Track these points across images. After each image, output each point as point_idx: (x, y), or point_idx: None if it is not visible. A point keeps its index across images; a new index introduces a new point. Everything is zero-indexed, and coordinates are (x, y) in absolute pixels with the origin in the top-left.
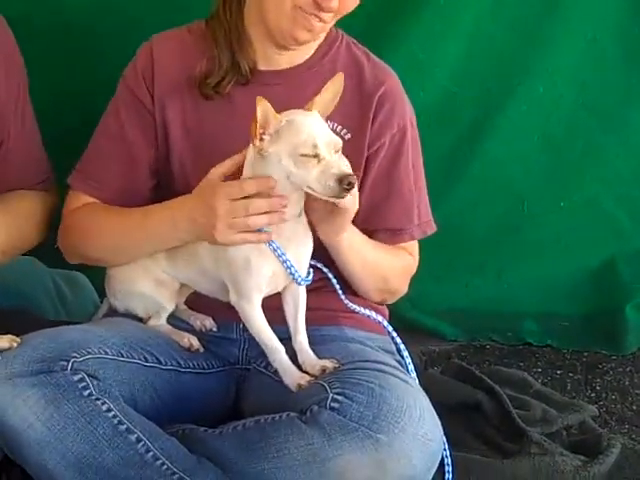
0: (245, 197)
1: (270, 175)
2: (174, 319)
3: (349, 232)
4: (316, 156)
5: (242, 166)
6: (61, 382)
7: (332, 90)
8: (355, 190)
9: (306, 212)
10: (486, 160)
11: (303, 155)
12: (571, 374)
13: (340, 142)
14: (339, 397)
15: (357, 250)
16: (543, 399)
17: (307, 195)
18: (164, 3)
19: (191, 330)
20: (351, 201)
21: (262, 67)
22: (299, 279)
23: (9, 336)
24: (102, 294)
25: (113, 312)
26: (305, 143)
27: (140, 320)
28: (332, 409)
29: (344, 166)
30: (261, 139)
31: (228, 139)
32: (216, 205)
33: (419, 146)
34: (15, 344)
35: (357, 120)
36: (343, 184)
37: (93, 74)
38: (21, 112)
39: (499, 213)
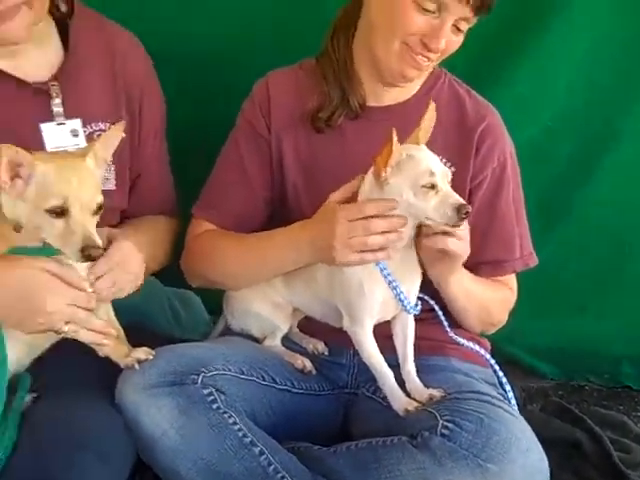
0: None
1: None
2: (287, 341)
3: (458, 273)
4: (434, 187)
5: (356, 193)
6: (192, 394)
7: (429, 120)
8: (467, 236)
9: (417, 252)
10: (588, 200)
11: (423, 186)
12: None
13: (450, 173)
14: (449, 424)
15: (462, 285)
16: None
17: (419, 234)
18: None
19: (303, 353)
20: (463, 247)
21: (371, 103)
22: (408, 307)
23: (145, 348)
24: (212, 313)
25: (228, 331)
26: (424, 175)
27: (255, 340)
28: (442, 435)
29: (458, 196)
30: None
31: (339, 169)
32: (335, 226)
33: (519, 179)
34: (150, 356)
35: (459, 154)
36: (461, 213)
37: (214, 105)
38: (159, 142)
39: (601, 253)
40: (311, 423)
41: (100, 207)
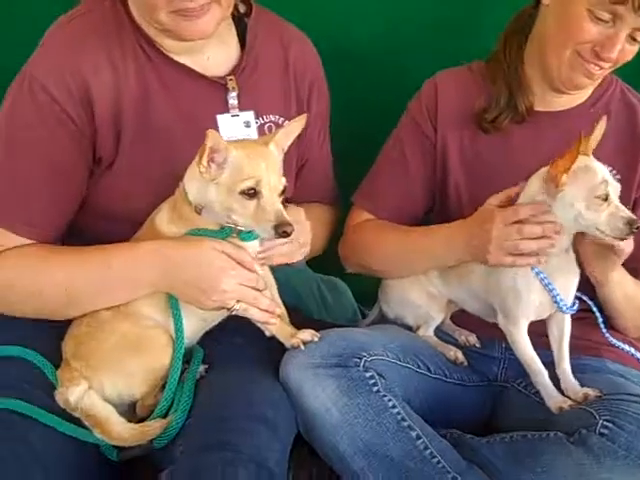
0: (519, 222)
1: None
2: (439, 332)
3: (618, 272)
4: (606, 199)
5: (513, 198)
6: (355, 376)
7: (599, 131)
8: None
9: (575, 250)
10: None
11: (597, 197)
12: None
13: (619, 187)
14: (608, 424)
15: (620, 285)
16: None
17: (578, 236)
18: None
19: (455, 344)
20: (629, 243)
21: (538, 108)
22: (564, 307)
23: (310, 330)
24: (358, 300)
25: (381, 318)
26: (600, 186)
27: (408, 329)
28: (601, 434)
29: (629, 210)
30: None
31: (502, 172)
32: (491, 228)
33: None
34: (316, 338)
35: (627, 163)
36: (632, 227)
37: (387, 100)
38: (324, 132)
39: None
40: (459, 413)
41: (284, 190)
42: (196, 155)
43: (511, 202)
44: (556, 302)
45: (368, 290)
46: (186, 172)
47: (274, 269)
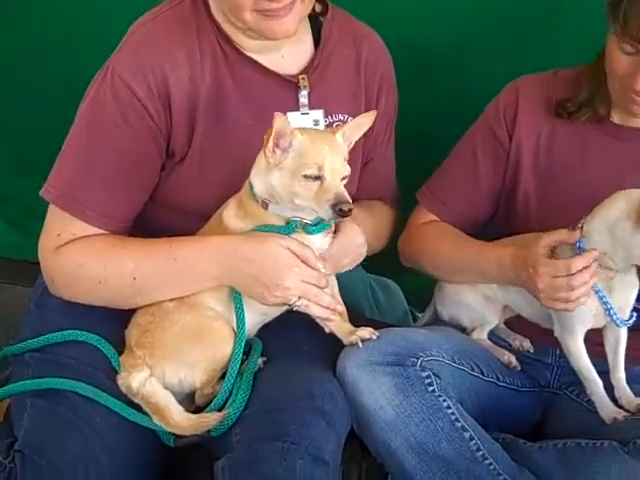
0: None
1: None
2: (493, 336)
3: None
4: None
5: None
6: (411, 375)
7: None
8: None
9: None
10: None
11: None
12: None
13: None
14: None
15: None
16: None
17: None
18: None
19: (508, 348)
20: None
21: (616, 120)
22: (618, 321)
23: (369, 329)
24: (409, 302)
25: (436, 320)
26: None
27: (462, 330)
28: None
29: None
30: None
31: (575, 175)
32: (538, 280)
33: None
34: (374, 336)
35: None
36: None
37: (454, 98)
38: (390, 132)
39: None
40: (510, 417)
41: (346, 177)
42: (260, 149)
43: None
44: (610, 316)
45: (419, 292)
46: (252, 167)
47: None
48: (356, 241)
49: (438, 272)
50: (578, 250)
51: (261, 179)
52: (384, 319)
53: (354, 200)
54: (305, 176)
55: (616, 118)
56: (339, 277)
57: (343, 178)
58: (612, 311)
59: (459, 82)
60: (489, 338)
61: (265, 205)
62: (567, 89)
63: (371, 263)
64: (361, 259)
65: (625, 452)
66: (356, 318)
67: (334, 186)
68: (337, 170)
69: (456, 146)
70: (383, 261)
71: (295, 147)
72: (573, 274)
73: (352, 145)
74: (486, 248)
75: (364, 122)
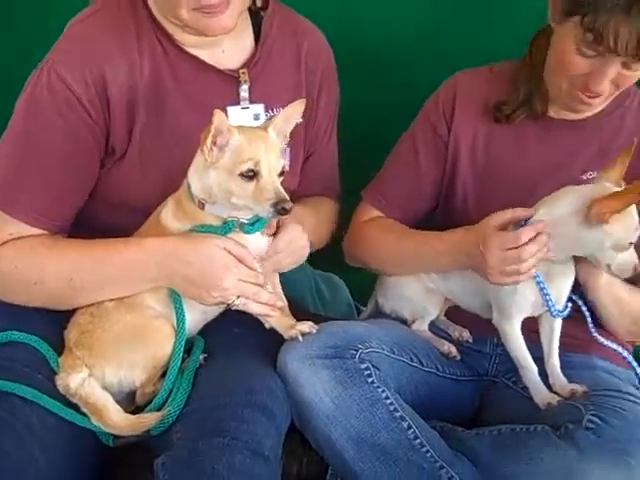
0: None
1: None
2: (433, 327)
3: (603, 274)
4: (631, 244)
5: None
6: (350, 368)
7: (627, 156)
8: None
9: None
10: None
11: (630, 243)
12: None
13: None
14: (594, 419)
15: (609, 290)
16: None
17: None
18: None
19: (448, 339)
20: None
21: (552, 114)
22: (555, 312)
23: (309, 323)
24: (354, 296)
25: (378, 313)
26: (635, 233)
27: (403, 323)
28: (587, 429)
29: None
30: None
31: (511, 169)
32: (488, 254)
33: None
34: (314, 330)
35: None
36: (636, 271)
37: (397, 96)
38: (332, 127)
39: None
40: (450, 406)
41: (282, 172)
42: (199, 146)
43: (516, 223)
44: (548, 307)
45: (364, 287)
46: (190, 166)
47: None
48: (299, 242)
49: (383, 267)
50: (535, 278)
51: (198, 178)
52: (329, 314)
53: (296, 194)
54: (241, 175)
55: (552, 113)
56: (283, 273)
57: (280, 174)
58: (550, 302)
59: (402, 79)
60: (429, 329)
61: (202, 205)
62: (503, 89)
63: (316, 259)
64: (303, 259)
65: (557, 436)
66: (300, 313)
67: (272, 184)
68: (273, 167)
69: (398, 142)
70: (328, 257)
71: (232, 145)
72: (523, 245)
73: (287, 138)
74: (432, 236)
75: (293, 112)
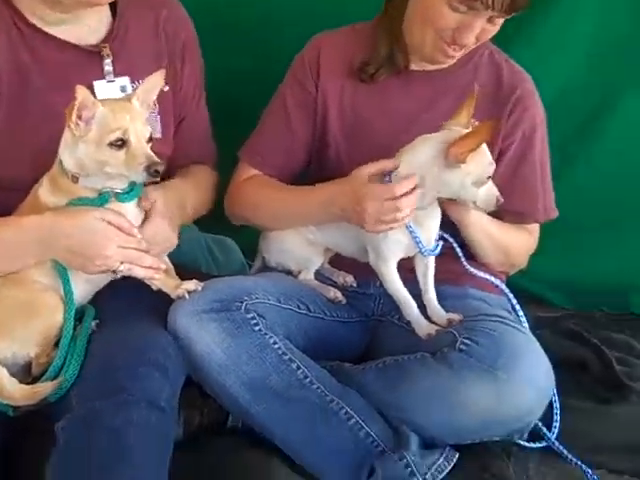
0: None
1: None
2: (319, 275)
3: (473, 211)
4: (489, 179)
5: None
6: (237, 319)
7: (473, 101)
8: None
9: None
10: (601, 148)
11: (488, 177)
12: None
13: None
14: (466, 341)
15: (481, 226)
16: None
17: None
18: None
19: (334, 285)
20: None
21: (413, 67)
22: (425, 252)
23: (194, 280)
24: (247, 255)
25: (265, 268)
26: (490, 167)
27: (290, 274)
28: (460, 350)
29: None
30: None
31: (378, 122)
32: (365, 204)
33: (546, 142)
34: (199, 287)
35: (492, 116)
36: (498, 203)
37: (262, 59)
38: (199, 91)
39: (611, 196)
40: (341, 347)
41: (150, 138)
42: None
43: (384, 174)
44: (419, 248)
45: (255, 245)
46: (60, 142)
47: None
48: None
49: (264, 222)
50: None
51: (69, 153)
52: (222, 274)
53: (173, 161)
54: (110, 144)
55: (414, 65)
56: (180, 238)
57: (149, 141)
58: (420, 244)
59: (267, 43)
60: (315, 278)
61: (75, 179)
62: (366, 47)
63: (206, 223)
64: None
65: (433, 360)
66: (193, 276)
67: (142, 149)
68: (141, 133)
69: (270, 102)
70: (217, 220)
71: (97, 118)
72: (399, 197)
73: (152, 107)
74: (306, 190)
75: (153, 82)
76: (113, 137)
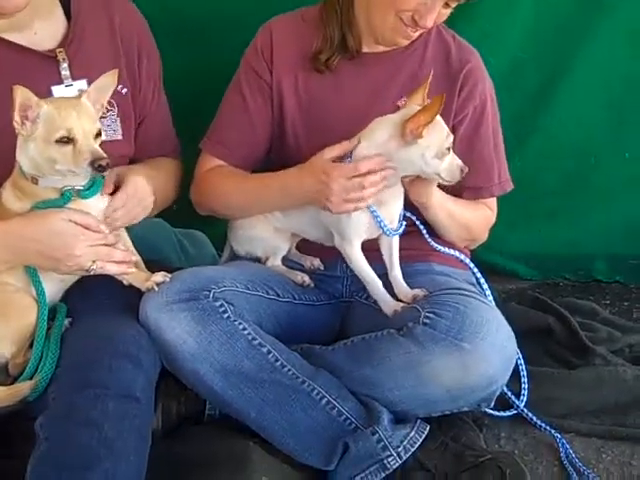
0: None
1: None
2: (287, 261)
3: (435, 193)
4: (449, 150)
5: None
6: (206, 307)
7: (428, 82)
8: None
9: None
10: (555, 118)
11: (446, 149)
12: (638, 305)
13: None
14: (430, 314)
15: (442, 206)
16: (609, 324)
17: None
18: None
19: (302, 270)
20: None
21: (365, 49)
22: (388, 232)
23: (162, 272)
24: (218, 248)
25: (234, 257)
26: (448, 139)
27: (258, 261)
28: (424, 324)
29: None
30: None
31: (334, 106)
32: (331, 183)
33: (498, 116)
34: (167, 279)
35: (445, 93)
36: (463, 173)
37: (218, 53)
38: (158, 91)
39: (569, 165)
40: (312, 330)
41: (99, 133)
42: None
43: (344, 155)
44: (381, 228)
45: (225, 237)
46: (17, 146)
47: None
48: (144, 190)
49: (230, 212)
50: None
51: (24, 155)
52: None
53: (138, 159)
54: (57, 141)
55: (366, 48)
56: (142, 233)
57: (97, 136)
58: (383, 224)
59: (223, 37)
60: (283, 264)
61: (35, 181)
62: (317, 35)
63: (175, 217)
64: (151, 207)
65: (400, 335)
66: (164, 270)
67: (88, 145)
68: (88, 130)
69: (226, 92)
70: (186, 214)
71: (42, 116)
72: (365, 174)
73: (106, 106)
74: (268, 177)
75: (107, 82)
76: (58, 135)
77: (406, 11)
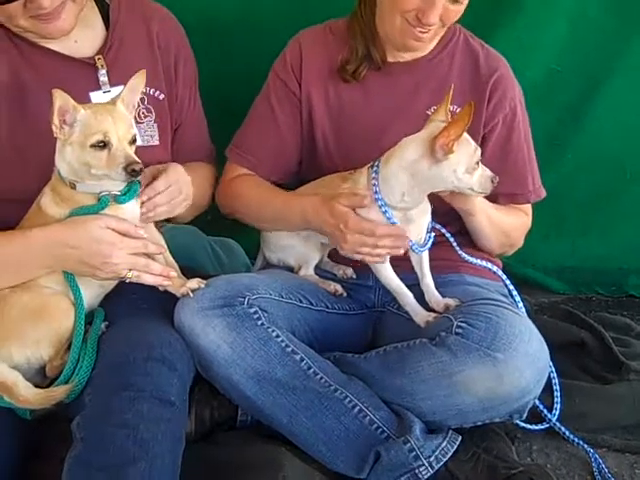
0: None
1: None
2: (320, 270)
3: (477, 200)
4: (478, 163)
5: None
6: (240, 314)
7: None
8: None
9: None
10: (590, 132)
11: (476, 162)
12: None
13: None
14: (462, 324)
15: (484, 212)
16: None
17: None
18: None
19: (334, 279)
20: None
21: (390, 59)
22: (416, 249)
23: (197, 279)
24: (251, 257)
25: (267, 265)
26: (476, 153)
27: (291, 270)
28: (457, 334)
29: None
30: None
31: (363, 116)
32: (347, 234)
33: (528, 123)
34: (202, 285)
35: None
36: (494, 183)
37: (251, 63)
38: (194, 97)
39: (603, 179)
40: (344, 339)
41: (134, 139)
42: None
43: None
44: (410, 247)
45: (258, 245)
46: (56, 152)
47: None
48: (184, 178)
49: (254, 222)
50: (377, 201)
51: (62, 159)
52: None
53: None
54: (93, 146)
55: (390, 58)
56: (177, 241)
57: (132, 142)
58: (410, 242)
59: (254, 47)
60: (316, 273)
61: (73, 186)
62: (344, 47)
63: (209, 226)
64: (191, 197)
65: (433, 345)
66: (199, 276)
67: (122, 150)
68: (123, 135)
69: (254, 102)
70: (219, 223)
71: (79, 121)
72: (380, 236)
73: (135, 106)
74: (291, 199)
75: (137, 82)
76: (94, 139)
77: (409, 11)
